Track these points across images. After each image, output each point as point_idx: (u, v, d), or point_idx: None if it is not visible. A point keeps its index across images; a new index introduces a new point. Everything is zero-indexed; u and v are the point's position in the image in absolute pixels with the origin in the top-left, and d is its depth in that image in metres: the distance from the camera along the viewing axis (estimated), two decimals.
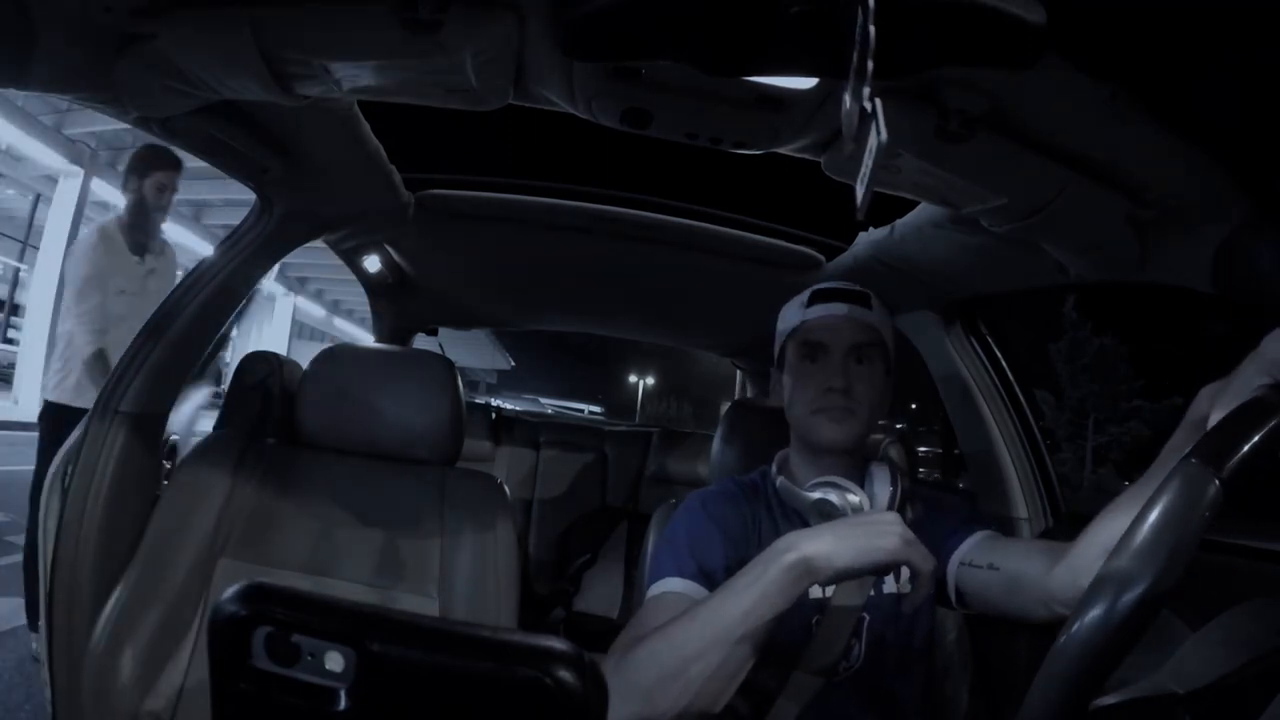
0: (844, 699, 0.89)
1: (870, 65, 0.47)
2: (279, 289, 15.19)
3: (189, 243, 9.61)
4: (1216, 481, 0.40)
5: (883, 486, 0.94)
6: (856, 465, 0.96)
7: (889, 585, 0.92)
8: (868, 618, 0.91)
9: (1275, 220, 0.71)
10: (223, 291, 1.19)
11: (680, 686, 0.68)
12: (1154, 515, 0.41)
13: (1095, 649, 0.40)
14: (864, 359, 0.94)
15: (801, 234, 1.52)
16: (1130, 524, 0.42)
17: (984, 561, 0.85)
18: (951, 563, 0.88)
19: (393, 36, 0.70)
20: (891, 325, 0.98)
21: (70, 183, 9.03)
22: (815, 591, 0.90)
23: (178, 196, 2.23)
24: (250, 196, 1.20)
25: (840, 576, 0.70)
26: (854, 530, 0.70)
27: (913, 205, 1.11)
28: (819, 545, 0.69)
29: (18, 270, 10.35)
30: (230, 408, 1.33)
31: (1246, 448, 0.41)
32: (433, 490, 1.16)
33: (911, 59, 0.59)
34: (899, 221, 1.18)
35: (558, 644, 0.48)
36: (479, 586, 1.08)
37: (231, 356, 2.07)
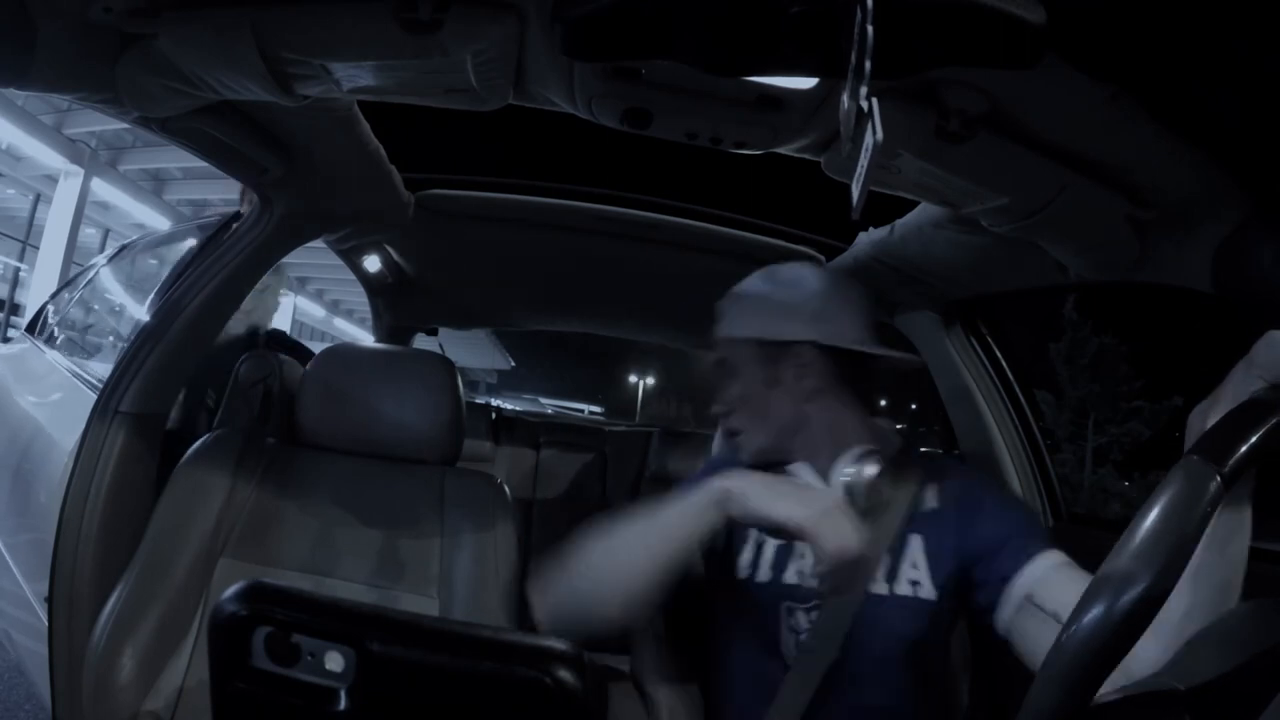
0: (813, 692, 0.88)
1: (870, 65, 0.47)
2: None
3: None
4: (1218, 477, 0.40)
5: (841, 472, 0.91)
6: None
7: (903, 586, 0.89)
8: (792, 574, 0.91)
9: (1275, 220, 0.71)
10: (223, 291, 1.19)
11: (605, 575, 0.79)
12: (1156, 511, 0.41)
13: (1097, 647, 0.40)
14: (728, 374, 0.97)
15: (801, 234, 1.52)
16: (1131, 520, 0.42)
17: (1052, 608, 0.76)
18: (1012, 589, 0.81)
19: (393, 36, 0.70)
20: (759, 321, 0.95)
21: (70, 182, 9.02)
22: (788, 576, 0.92)
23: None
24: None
25: (749, 518, 0.75)
26: (784, 487, 0.76)
27: (913, 205, 1.11)
28: (744, 483, 0.75)
29: (18, 270, 10.33)
30: (230, 408, 1.33)
31: (1247, 444, 0.41)
32: (433, 490, 1.16)
33: (911, 59, 0.59)
34: (899, 221, 1.18)
35: (558, 644, 0.48)
36: (479, 586, 1.08)
37: None
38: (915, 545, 0.89)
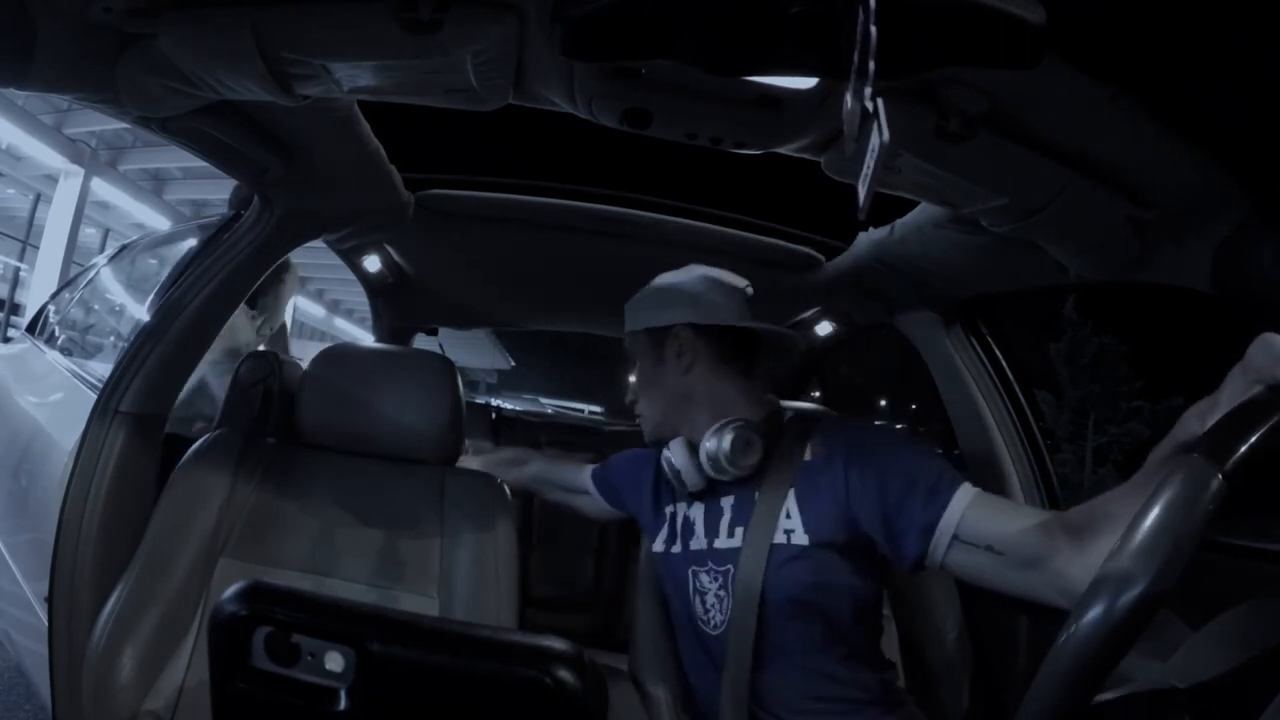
0: (723, 649, 0.95)
1: (871, 65, 0.47)
2: None
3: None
4: (1220, 475, 0.40)
5: (703, 445, 1.00)
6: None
7: (779, 536, 0.94)
8: (732, 569, 0.96)
9: (1275, 220, 0.71)
10: (223, 291, 1.19)
11: None
12: (1156, 510, 0.41)
13: (1097, 647, 0.40)
14: (631, 364, 1.12)
15: (801, 234, 1.52)
16: (1132, 519, 0.42)
17: (981, 542, 0.82)
18: (938, 533, 0.84)
19: (393, 36, 0.70)
20: (647, 315, 1.08)
21: (70, 182, 9.01)
22: (693, 543, 1.02)
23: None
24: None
25: None
26: None
27: (913, 205, 1.11)
28: None
29: (18, 270, 10.33)
30: (230, 408, 1.33)
31: (1248, 444, 0.41)
32: (433, 490, 1.16)
33: (912, 59, 0.59)
34: (899, 221, 1.18)
35: (558, 644, 0.48)
36: (479, 586, 1.08)
37: None
38: (790, 498, 0.96)
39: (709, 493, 1.03)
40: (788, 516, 0.95)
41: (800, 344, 1.14)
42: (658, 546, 1.09)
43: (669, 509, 1.09)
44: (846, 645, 0.94)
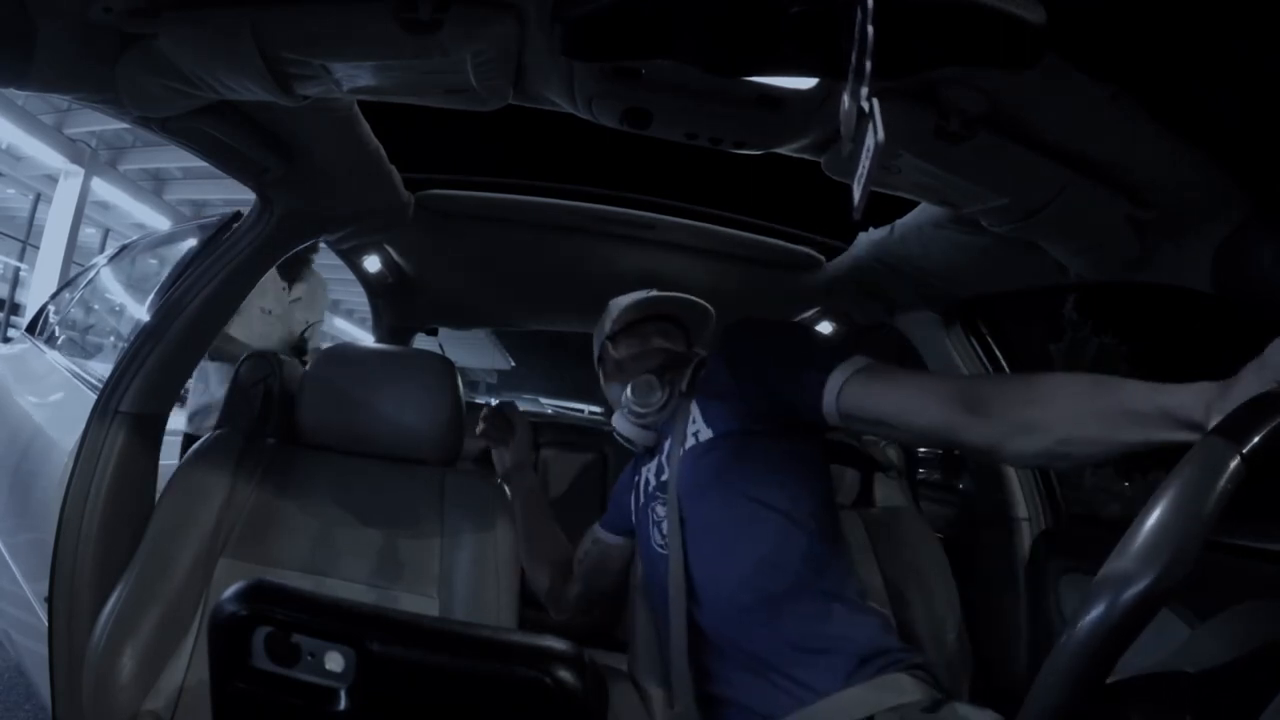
0: (683, 556, 1.04)
1: (870, 65, 0.47)
2: None
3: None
4: (1239, 456, 0.40)
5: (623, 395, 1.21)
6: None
7: (689, 441, 1.08)
8: (652, 483, 1.13)
9: (1275, 220, 0.71)
10: (223, 291, 1.19)
11: None
12: (1173, 491, 0.40)
13: (1112, 626, 0.39)
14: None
15: (802, 234, 1.52)
16: (1151, 498, 0.41)
17: (869, 416, 0.88)
18: (826, 412, 0.90)
19: (393, 36, 0.70)
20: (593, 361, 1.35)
21: (70, 182, 9.00)
22: (650, 488, 1.14)
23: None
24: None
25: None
26: None
27: (913, 205, 1.11)
28: None
29: (18, 270, 10.32)
30: (230, 408, 1.33)
31: (1269, 428, 0.41)
32: (433, 490, 1.16)
33: (911, 59, 0.59)
34: (899, 221, 1.18)
35: (558, 644, 0.48)
36: (479, 586, 1.08)
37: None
38: (694, 409, 1.11)
39: (656, 447, 1.17)
40: (694, 423, 1.09)
41: (684, 302, 1.25)
42: (632, 512, 1.20)
43: (639, 479, 1.21)
44: (779, 528, 0.98)
